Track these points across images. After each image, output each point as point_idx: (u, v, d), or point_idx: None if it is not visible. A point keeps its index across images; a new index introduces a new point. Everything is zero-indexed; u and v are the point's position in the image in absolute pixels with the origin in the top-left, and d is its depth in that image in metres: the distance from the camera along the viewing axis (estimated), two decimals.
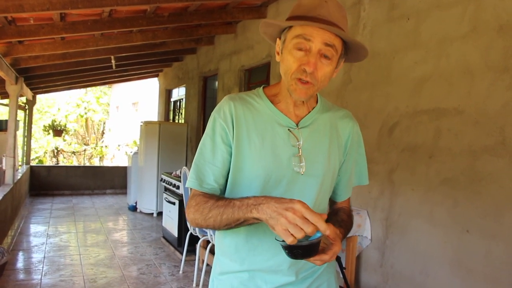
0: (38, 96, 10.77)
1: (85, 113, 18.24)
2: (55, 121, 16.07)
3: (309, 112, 1.29)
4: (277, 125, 1.25)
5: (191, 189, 1.26)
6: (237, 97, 1.28)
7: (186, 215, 1.24)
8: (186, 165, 7.24)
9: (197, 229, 4.18)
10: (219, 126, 1.24)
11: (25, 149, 9.53)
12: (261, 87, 1.33)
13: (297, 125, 1.26)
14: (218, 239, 1.36)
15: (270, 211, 0.99)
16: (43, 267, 4.52)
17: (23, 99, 9.15)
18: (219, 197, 1.19)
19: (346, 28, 1.16)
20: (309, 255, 1.03)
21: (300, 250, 1.01)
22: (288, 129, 1.24)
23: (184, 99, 8.55)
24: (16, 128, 6.85)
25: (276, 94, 1.28)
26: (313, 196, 1.25)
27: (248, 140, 1.23)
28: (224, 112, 1.25)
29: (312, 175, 1.25)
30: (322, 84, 1.17)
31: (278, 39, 1.22)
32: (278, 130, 1.24)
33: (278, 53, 1.22)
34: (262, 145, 1.23)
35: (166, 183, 5.58)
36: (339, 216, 1.31)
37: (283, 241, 1.02)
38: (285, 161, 1.23)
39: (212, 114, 1.29)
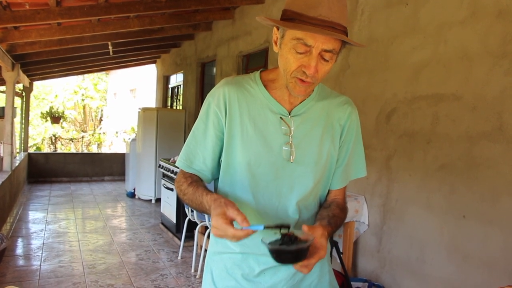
0: (35, 83, 10.70)
1: (83, 100, 18.18)
2: (53, 108, 16.02)
3: (304, 100, 1.27)
4: (269, 112, 1.25)
5: None
6: (232, 81, 1.28)
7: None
8: None
9: (195, 214, 4.20)
10: (212, 111, 1.26)
11: (22, 136, 9.51)
12: (259, 71, 1.32)
13: (289, 113, 1.25)
14: None
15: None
16: (42, 253, 4.55)
17: (20, 86, 9.09)
18: (192, 181, 1.26)
19: (346, 18, 1.11)
20: (298, 259, 1.06)
21: (290, 255, 1.04)
22: (280, 117, 1.24)
23: (182, 86, 8.52)
24: (13, 115, 6.82)
25: (273, 79, 1.27)
26: (306, 184, 1.26)
27: (241, 126, 1.24)
28: (218, 97, 1.25)
29: (302, 163, 1.25)
30: (321, 79, 1.17)
31: (275, 27, 1.17)
32: (270, 117, 1.24)
33: (275, 43, 1.18)
34: (254, 131, 1.23)
35: (164, 170, 5.59)
36: (331, 210, 1.29)
37: (269, 244, 1.06)
38: (275, 148, 1.23)
39: (207, 97, 1.30)
